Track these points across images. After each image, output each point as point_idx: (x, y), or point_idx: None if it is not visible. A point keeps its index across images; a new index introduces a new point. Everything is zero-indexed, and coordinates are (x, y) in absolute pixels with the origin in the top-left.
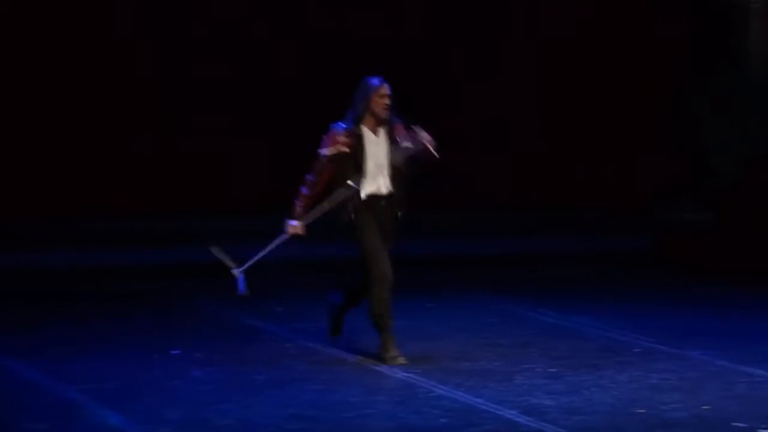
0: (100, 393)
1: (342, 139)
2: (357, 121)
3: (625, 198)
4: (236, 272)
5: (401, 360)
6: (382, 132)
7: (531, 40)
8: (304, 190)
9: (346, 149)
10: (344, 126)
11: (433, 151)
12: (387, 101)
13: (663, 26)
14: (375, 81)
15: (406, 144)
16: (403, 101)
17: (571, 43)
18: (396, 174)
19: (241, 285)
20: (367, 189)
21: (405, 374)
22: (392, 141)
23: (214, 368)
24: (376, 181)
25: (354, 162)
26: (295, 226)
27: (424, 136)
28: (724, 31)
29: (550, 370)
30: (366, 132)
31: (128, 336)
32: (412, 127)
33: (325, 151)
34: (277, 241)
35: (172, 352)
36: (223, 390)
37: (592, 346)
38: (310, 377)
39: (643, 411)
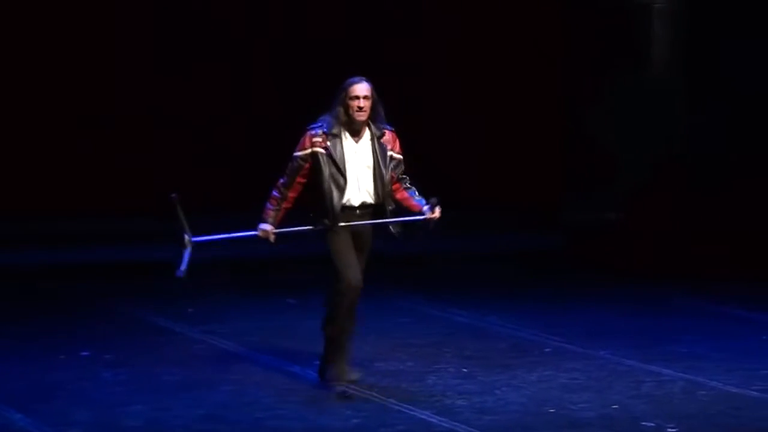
0: (5, 394)
1: (317, 140)
2: (332, 125)
3: (534, 197)
4: (187, 239)
5: (353, 376)
6: (365, 138)
7: (438, 40)
8: (275, 193)
9: (321, 150)
10: (320, 127)
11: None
12: (359, 104)
13: (566, 23)
14: (348, 81)
15: (422, 215)
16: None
17: (467, 39)
18: (378, 184)
19: (185, 261)
20: (343, 198)
21: (317, 375)
22: (380, 150)
23: (124, 369)
24: (352, 190)
25: (330, 168)
26: (266, 230)
27: (437, 213)
28: (628, 30)
29: (463, 370)
30: (344, 136)
31: (34, 337)
32: (433, 201)
33: (299, 153)
34: (243, 234)
35: (82, 353)
36: (134, 391)
37: (503, 345)
38: (221, 378)
39: (553, 411)
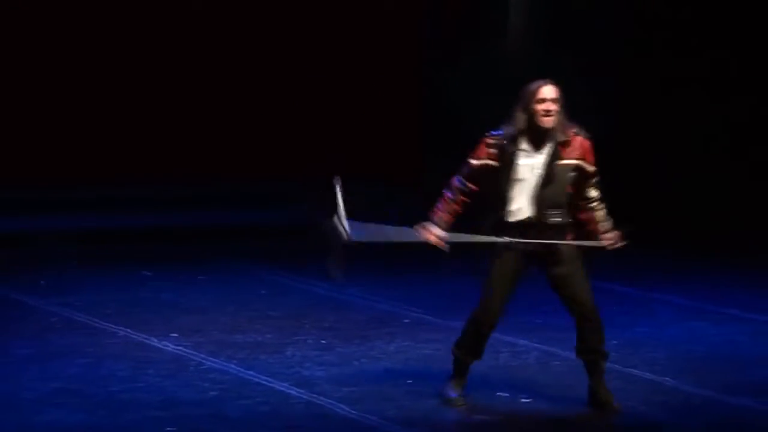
0: None
1: (492, 151)
2: (511, 133)
3: (392, 165)
4: (347, 236)
5: (460, 402)
6: (547, 147)
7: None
8: (449, 194)
9: (493, 162)
10: (499, 135)
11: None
12: (547, 107)
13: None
14: (533, 84)
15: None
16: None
17: (324, 13)
18: (551, 199)
19: (340, 262)
20: (512, 215)
21: (175, 347)
22: (558, 160)
23: None
24: (524, 205)
25: (502, 181)
26: (437, 235)
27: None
28: (484, 2)
29: (322, 341)
30: (523, 145)
31: None
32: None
33: (472, 161)
34: (408, 236)
35: None
36: None
37: (362, 317)
38: (76, 351)
39: (411, 382)
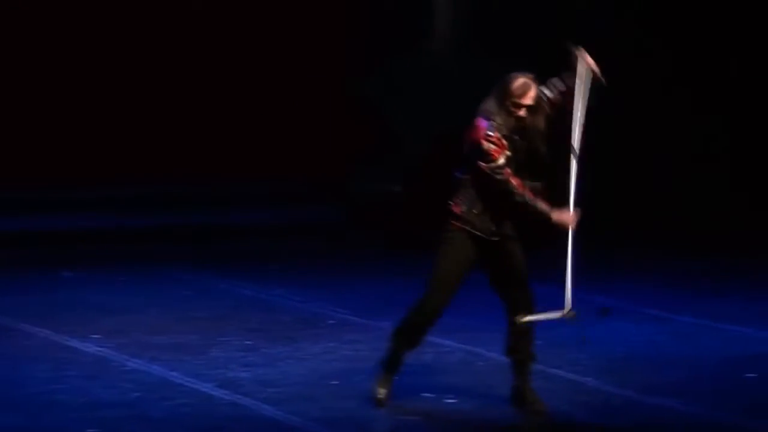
0: None
1: (503, 142)
2: (501, 124)
3: (321, 170)
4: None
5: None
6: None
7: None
8: (528, 194)
9: (508, 152)
10: (492, 127)
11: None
12: (525, 114)
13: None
14: (519, 83)
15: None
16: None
17: (252, 15)
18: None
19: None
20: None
21: (97, 348)
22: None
23: None
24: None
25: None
26: (570, 214)
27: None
28: (411, 5)
29: (246, 342)
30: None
31: None
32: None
33: (500, 160)
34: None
35: None
36: None
37: (287, 318)
38: None
39: (336, 383)
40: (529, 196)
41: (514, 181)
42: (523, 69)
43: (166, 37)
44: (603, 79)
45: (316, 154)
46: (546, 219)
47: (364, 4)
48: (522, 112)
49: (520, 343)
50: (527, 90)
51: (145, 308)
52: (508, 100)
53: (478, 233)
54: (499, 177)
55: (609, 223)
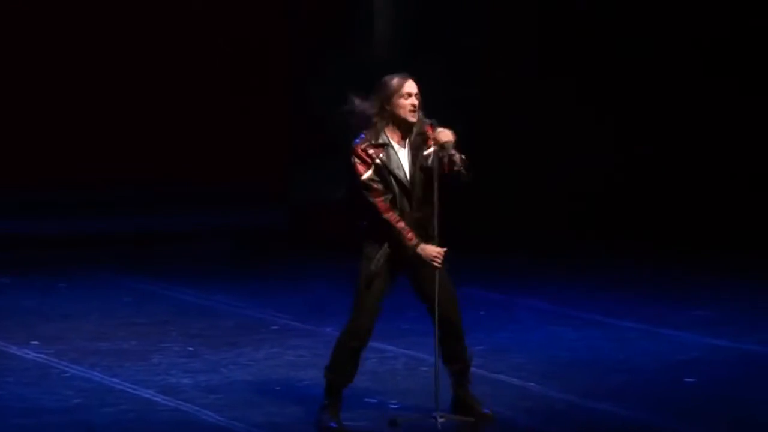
0: None
1: (371, 153)
2: (379, 132)
3: (260, 175)
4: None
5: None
6: (406, 143)
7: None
8: (390, 215)
9: (380, 162)
10: (364, 139)
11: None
12: (413, 101)
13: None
14: (394, 79)
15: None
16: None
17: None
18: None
19: None
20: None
21: (36, 355)
22: (417, 151)
23: None
24: (402, 204)
25: (385, 180)
26: (434, 248)
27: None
28: (351, 7)
29: (188, 348)
30: (393, 144)
31: None
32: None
33: (365, 175)
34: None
35: None
36: None
37: (230, 324)
38: None
39: (279, 388)
40: (393, 219)
41: (381, 204)
42: (462, 70)
43: (99, 43)
44: (458, 166)
45: (257, 159)
46: (410, 248)
47: (304, 3)
48: (413, 99)
49: (456, 353)
50: (404, 80)
51: (86, 314)
52: (394, 97)
53: (392, 250)
54: (365, 193)
55: (552, 230)
